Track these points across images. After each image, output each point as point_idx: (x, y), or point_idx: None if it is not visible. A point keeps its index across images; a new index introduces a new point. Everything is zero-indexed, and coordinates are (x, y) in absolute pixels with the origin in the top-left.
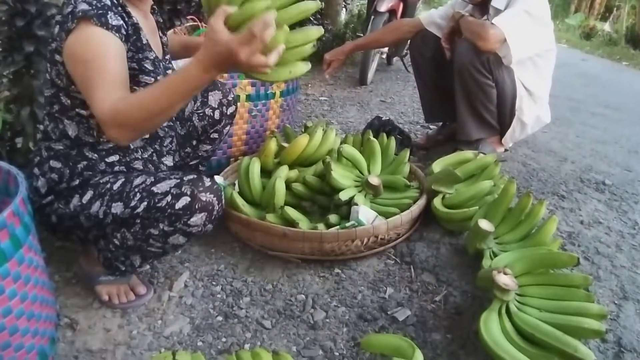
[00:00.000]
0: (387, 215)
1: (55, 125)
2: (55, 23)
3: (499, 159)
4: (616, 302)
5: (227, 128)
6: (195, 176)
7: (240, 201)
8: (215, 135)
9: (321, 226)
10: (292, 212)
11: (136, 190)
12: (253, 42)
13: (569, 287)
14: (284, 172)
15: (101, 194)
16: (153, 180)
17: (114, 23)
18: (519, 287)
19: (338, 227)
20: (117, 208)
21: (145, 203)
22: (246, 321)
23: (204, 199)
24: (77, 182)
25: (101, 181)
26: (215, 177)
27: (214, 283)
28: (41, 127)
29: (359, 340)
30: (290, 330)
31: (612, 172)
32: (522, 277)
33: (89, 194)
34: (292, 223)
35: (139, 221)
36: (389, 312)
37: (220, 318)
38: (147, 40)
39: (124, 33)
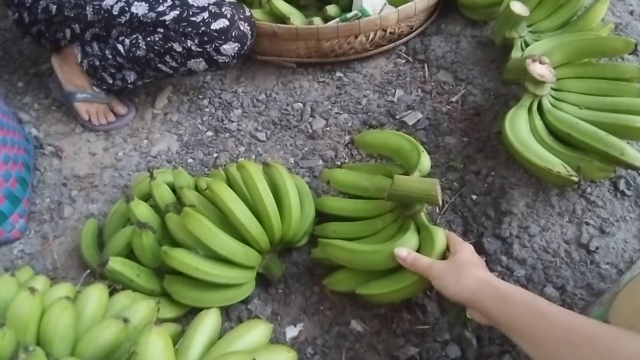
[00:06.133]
0: (397, 4)
1: None
2: None
3: None
4: None
5: None
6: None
7: None
8: None
9: (317, 20)
10: (281, 5)
11: None
12: None
13: (618, 80)
14: None
15: None
16: None
17: None
18: (556, 81)
19: (338, 19)
20: (140, 8)
21: (176, 12)
22: (238, 134)
23: (242, 28)
24: None
25: None
26: None
27: (200, 96)
28: None
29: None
30: (287, 141)
31: None
32: (560, 68)
33: None
34: (282, 18)
35: (161, 31)
36: (397, 117)
37: (210, 133)
38: None
39: None
